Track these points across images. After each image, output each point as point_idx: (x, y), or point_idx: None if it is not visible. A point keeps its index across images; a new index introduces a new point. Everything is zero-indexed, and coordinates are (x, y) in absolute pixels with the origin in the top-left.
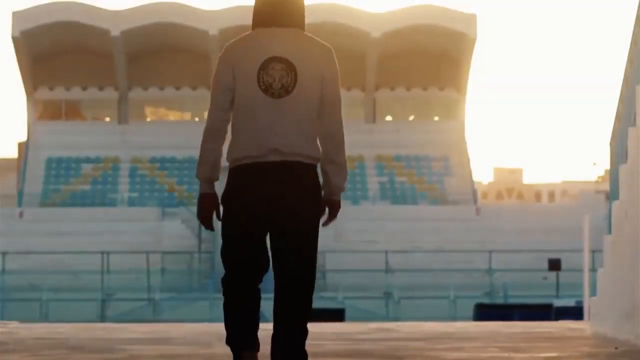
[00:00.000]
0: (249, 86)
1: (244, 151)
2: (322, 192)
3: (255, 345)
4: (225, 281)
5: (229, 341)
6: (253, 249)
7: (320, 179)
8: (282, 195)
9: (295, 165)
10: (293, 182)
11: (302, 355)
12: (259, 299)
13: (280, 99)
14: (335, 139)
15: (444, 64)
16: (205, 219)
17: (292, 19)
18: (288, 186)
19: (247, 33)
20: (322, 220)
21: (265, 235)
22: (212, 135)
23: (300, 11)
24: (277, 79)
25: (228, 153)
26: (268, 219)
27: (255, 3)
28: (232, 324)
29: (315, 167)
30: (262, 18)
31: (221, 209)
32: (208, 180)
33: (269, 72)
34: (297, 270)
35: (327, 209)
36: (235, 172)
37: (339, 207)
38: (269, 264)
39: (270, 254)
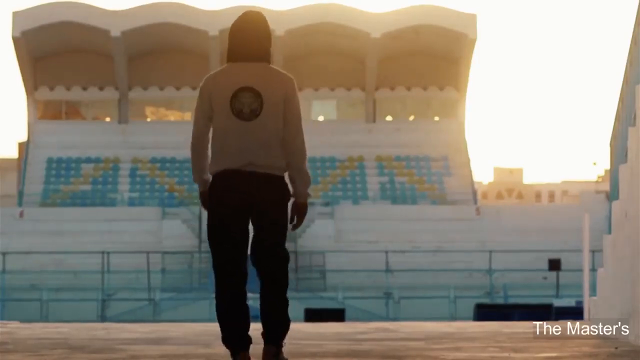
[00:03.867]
0: (224, 112)
1: (224, 166)
2: (292, 199)
3: (247, 343)
4: (214, 269)
5: (224, 340)
6: (232, 238)
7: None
8: (255, 194)
9: (267, 176)
10: (264, 186)
11: (286, 321)
12: (244, 293)
13: (250, 121)
14: (297, 152)
15: (444, 64)
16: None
17: (260, 55)
18: (261, 189)
19: (222, 67)
20: (292, 223)
21: (243, 227)
22: (197, 151)
23: (266, 48)
24: (247, 105)
25: (210, 167)
26: (244, 213)
27: (229, 41)
28: (225, 325)
29: (282, 177)
30: (235, 54)
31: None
32: (202, 182)
33: (239, 100)
34: (271, 259)
35: (295, 214)
36: (217, 177)
37: (306, 209)
38: (246, 253)
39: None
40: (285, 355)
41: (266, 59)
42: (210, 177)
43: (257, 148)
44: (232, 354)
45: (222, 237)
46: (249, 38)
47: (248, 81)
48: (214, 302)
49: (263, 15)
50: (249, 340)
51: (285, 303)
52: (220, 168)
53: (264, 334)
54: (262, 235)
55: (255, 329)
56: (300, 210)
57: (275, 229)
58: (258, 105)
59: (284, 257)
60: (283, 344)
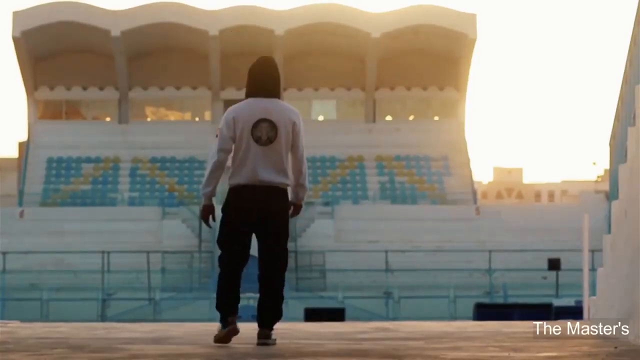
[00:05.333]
0: (245, 137)
1: (242, 179)
2: (290, 199)
3: (236, 311)
4: (220, 259)
5: (218, 307)
6: (240, 241)
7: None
8: (264, 204)
9: (274, 189)
10: (272, 198)
11: (279, 313)
12: (239, 279)
13: (266, 146)
14: (301, 172)
15: (444, 64)
16: (206, 221)
17: (273, 92)
18: (268, 200)
19: (244, 100)
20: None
21: (251, 233)
22: (217, 168)
23: (277, 87)
24: (264, 133)
25: (230, 179)
26: (254, 220)
27: (248, 81)
28: (222, 294)
29: (286, 190)
30: (253, 91)
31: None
32: (209, 196)
33: (259, 129)
34: (275, 257)
35: (292, 209)
36: (234, 189)
37: (301, 207)
38: (248, 255)
39: (257, 248)
40: (284, 352)
41: (278, 95)
42: (215, 194)
43: (270, 167)
44: (223, 317)
45: (232, 238)
46: (265, 79)
47: (265, 114)
48: (214, 301)
49: (274, 60)
50: (237, 309)
51: (282, 298)
52: (239, 182)
53: (259, 320)
54: (269, 241)
55: (252, 328)
56: (297, 209)
57: (280, 235)
58: (273, 133)
59: (286, 260)
60: (273, 328)
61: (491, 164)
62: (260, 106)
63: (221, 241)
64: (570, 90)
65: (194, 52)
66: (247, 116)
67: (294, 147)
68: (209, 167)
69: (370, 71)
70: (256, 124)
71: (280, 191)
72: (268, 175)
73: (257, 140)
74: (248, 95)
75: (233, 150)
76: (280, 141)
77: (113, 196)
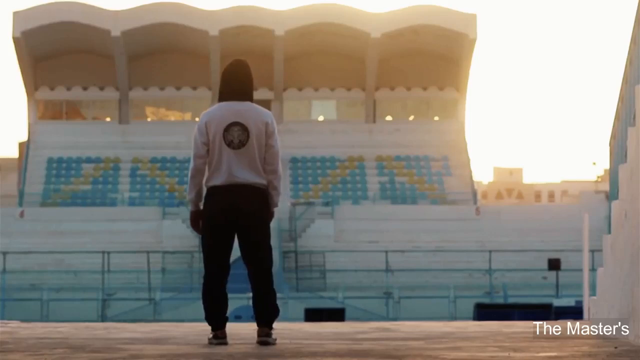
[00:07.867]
0: (218, 142)
1: (217, 181)
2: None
3: (224, 323)
4: (204, 264)
5: (207, 320)
6: (219, 241)
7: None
8: (242, 205)
9: (251, 188)
10: (249, 197)
11: (275, 309)
12: (225, 281)
13: (238, 149)
14: (275, 174)
15: (444, 64)
16: (195, 227)
17: (245, 96)
18: (245, 200)
19: (216, 105)
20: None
21: (231, 233)
22: (196, 174)
23: (250, 90)
24: (236, 137)
25: (206, 182)
26: (232, 220)
27: (221, 84)
28: (209, 306)
29: (263, 188)
30: (226, 96)
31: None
32: (195, 202)
33: (230, 133)
34: (259, 258)
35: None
36: (211, 190)
37: (273, 215)
38: (229, 257)
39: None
40: (284, 352)
41: (250, 98)
42: (202, 198)
43: (243, 170)
44: (213, 329)
45: (212, 239)
46: (237, 82)
47: (237, 118)
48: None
49: (247, 63)
50: (225, 320)
51: (274, 293)
52: (214, 183)
53: (257, 319)
54: (251, 241)
55: (252, 328)
56: (270, 217)
57: (261, 235)
58: (245, 137)
59: (270, 259)
60: (273, 327)
61: (491, 164)
62: (232, 110)
63: (202, 244)
64: (570, 90)
65: (194, 52)
66: (218, 120)
67: (268, 146)
68: (188, 174)
69: (370, 71)
70: (228, 128)
71: (258, 190)
72: (243, 176)
73: (229, 144)
74: (221, 99)
75: (209, 155)
76: (252, 144)
77: (113, 196)
